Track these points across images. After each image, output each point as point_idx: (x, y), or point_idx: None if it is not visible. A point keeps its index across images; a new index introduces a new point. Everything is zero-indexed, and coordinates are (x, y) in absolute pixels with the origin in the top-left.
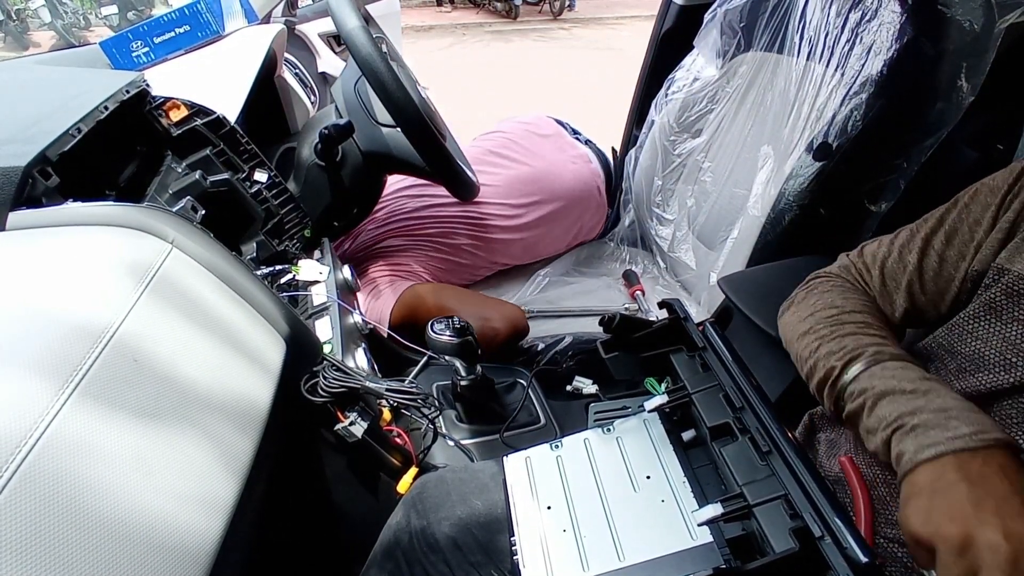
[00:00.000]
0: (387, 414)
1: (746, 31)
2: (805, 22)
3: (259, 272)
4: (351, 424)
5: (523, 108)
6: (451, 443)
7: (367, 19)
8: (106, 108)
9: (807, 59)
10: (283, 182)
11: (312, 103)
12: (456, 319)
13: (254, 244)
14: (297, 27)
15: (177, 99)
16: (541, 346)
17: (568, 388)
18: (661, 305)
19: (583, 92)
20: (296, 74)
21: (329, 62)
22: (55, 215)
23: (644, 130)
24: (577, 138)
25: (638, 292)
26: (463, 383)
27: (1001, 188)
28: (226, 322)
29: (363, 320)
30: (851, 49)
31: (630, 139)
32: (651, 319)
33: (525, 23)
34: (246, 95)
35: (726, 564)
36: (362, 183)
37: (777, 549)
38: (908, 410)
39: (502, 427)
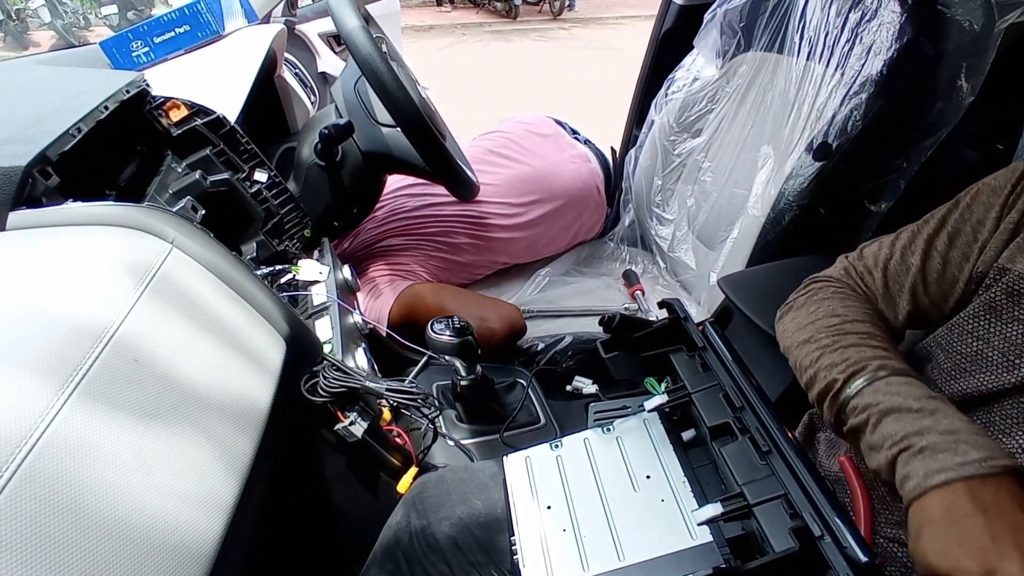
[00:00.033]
0: (387, 414)
1: (746, 31)
2: (805, 22)
3: (259, 272)
4: (351, 424)
5: (523, 108)
6: (451, 443)
7: (367, 19)
8: (106, 108)
9: (807, 59)
10: (283, 182)
11: (312, 103)
12: (456, 319)
13: (254, 244)
14: (297, 27)
15: (177, 99)
16: (541, 346)
17: (568, 388)
18: (661, 305)
19: (583, 92)
20: (296, 74)
21: (329, 62)
22: (55, 215)
23: (644, 130)
24: (576, 138)
25: (638, 292)
26: (463, 383)
27: (1004, 188)
28: (226, 322)
29: (363, 320)
30: (851, 49)
31: (630, 139)
32: (651, 319)
33: (525, 23)
34: (246, 95)
35: (726, 564)
36: (362, 183)
37: (777, 549)
38: (915, 430)
39: (502, 427)
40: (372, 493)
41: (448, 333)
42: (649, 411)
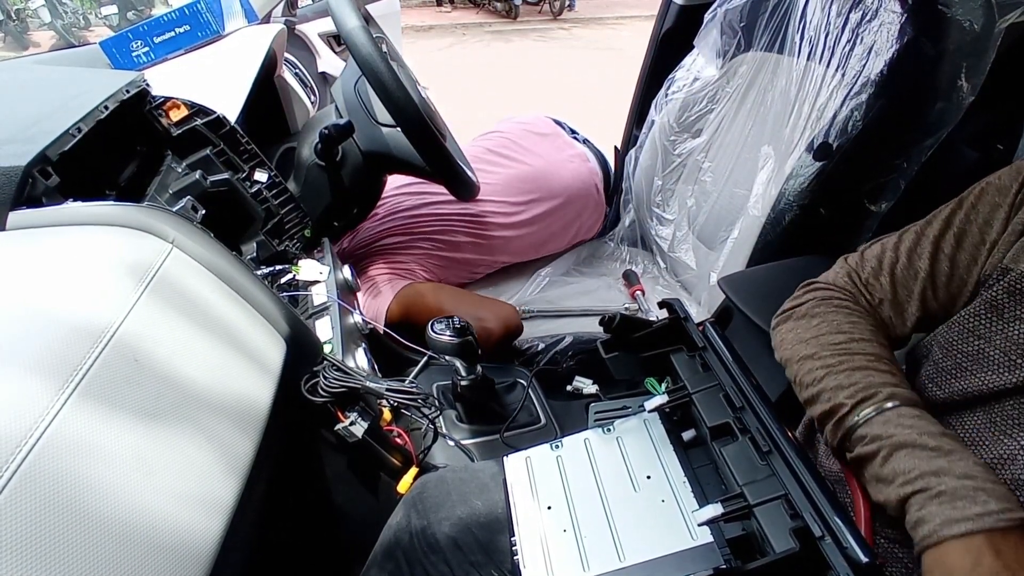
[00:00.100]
0: (387, 414)
1: (746, 31)
2: (805, 22)
3: (259, 272)
4: (351, 424)
5: (523, 108)
6: (451, 443)
7: (367, 19)
8: (106, 108)
9: (807, 59)
10: (283, 182)
11: (312, 103)
12: (456, 319)
13: (254, 244)
14: (297, 27)
15: (177, 99)
16: (541, 346)
17: (568, 388)
18: (661, 305)
19: (583, 92)
20: (296, 74)
21: (329, 62)
22: (55, 215)
23: (644, 130)
24: (575, 137)
25: (638, 292)
26: (463, 383)
27: (1010, 188)
28: (226, 322)
29: (363, 320)
30: (851, 49)
31: (630, 139)
32: (651, 319)
33: (525, 23)
34: (246, 95)
35: (726, 564)
36: (362, 183)
37: (777, 549)
38: (931, 470)
39: (502, 427)
40: (372, 493)
41: (448, 333)
42: (649, 411)
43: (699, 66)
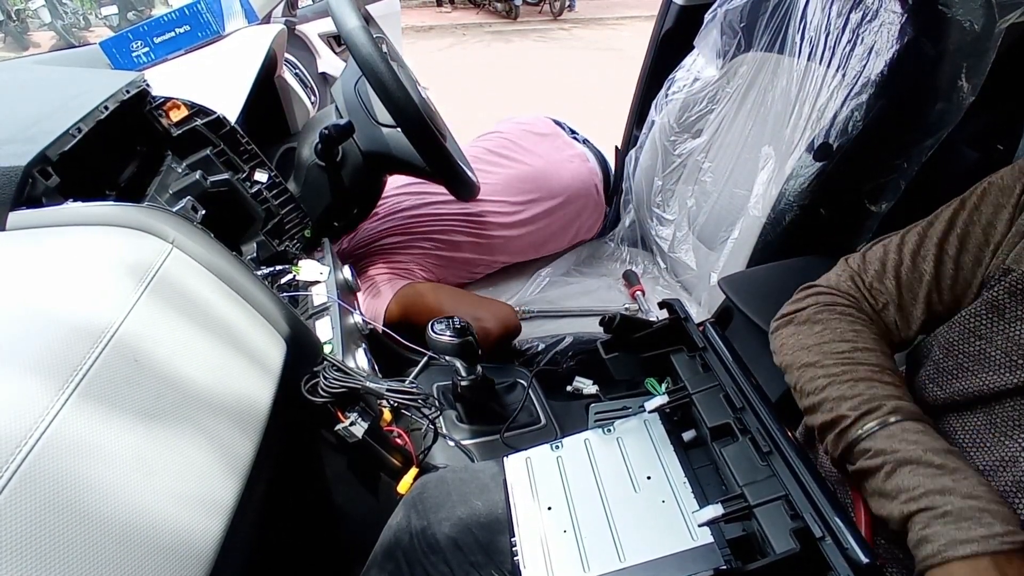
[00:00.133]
0: (387, 414)
1: (746, 31)
2: (806, 22)
3: (259, 272)
4: (351, 424)
5: (523, 108)
6: (451, 443)
7: (367, 19)
8: (106, 108)
9: (808, 59)
10: (283, 182)
11: (312, 103)
12: (457, 319)
13: (254, 244)
14: (297, 27)
15: (177, 99)
16: (541, 346)
17: (568, 388)
18: (661, 305)
19: (583, 92)
20: (296, 74)
21: (329, 62)
22: (55, 215)
23: (644, 130)
24: (575, 138)
25: (638, 292)
26: (463, 383)
27: (1013, 188)
28: (226, 322)
29: (363, 320)
30: (852, 50)
31: (630, 139)
32: (651, 319)
33: (525, 23)
34: (246, 95)
35: (727, 565)
36: (362, 183)
37: (778, 550)
38: (936, 489)
39: (502, 427)
40: (372, 493)
41: (448, 333)
42: (650, 412)
43: (699, 66)
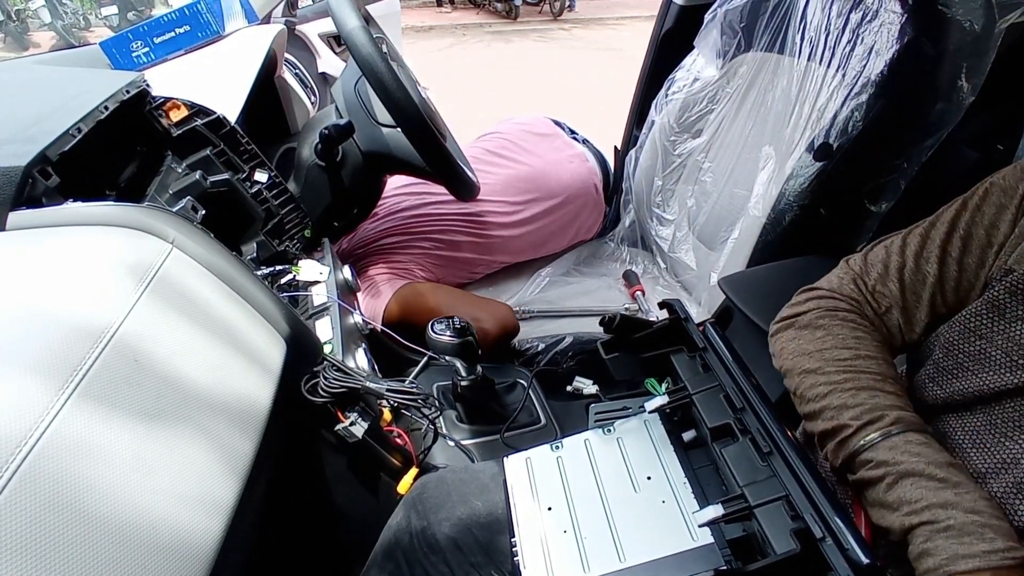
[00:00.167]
0: (387, 414)
1: (746, 31)
2: (806, 23)
3: (259, 272)
4: (351, 424)
5: (523, 109)
6: (451, 443)
7: (367, 19)
8: (106, 108)
9: (808, 59)
10: (283, 182)
11: (312, 103)
12: (457, 319)
13: (254, 244)
14: (297, 27)
15: (177, 99)
16: (541, 346)
17: (568, 388)
18: (661, 305)
19: (583, 93)
20: (296, 74)
21: (329, 62)
22: (55, 215)
23: (644, 130)
24: (575, 138)
25: (638, 292)
26: (463, 383)
27: (1016, 189)
28: (226, 322)
29: (363, 320)
30: (852, 50)
31: (630, 139)
32: (651, 319)
33: (525, 23)
34: (246, 95)
35: (727, 565)
36: (362, 183)
37: (778, 550)
38: (938, 502)
39: (502, 427)
40: (372, 494)
41: (449, 333)
42: (650, 412)
43: (699, 66)
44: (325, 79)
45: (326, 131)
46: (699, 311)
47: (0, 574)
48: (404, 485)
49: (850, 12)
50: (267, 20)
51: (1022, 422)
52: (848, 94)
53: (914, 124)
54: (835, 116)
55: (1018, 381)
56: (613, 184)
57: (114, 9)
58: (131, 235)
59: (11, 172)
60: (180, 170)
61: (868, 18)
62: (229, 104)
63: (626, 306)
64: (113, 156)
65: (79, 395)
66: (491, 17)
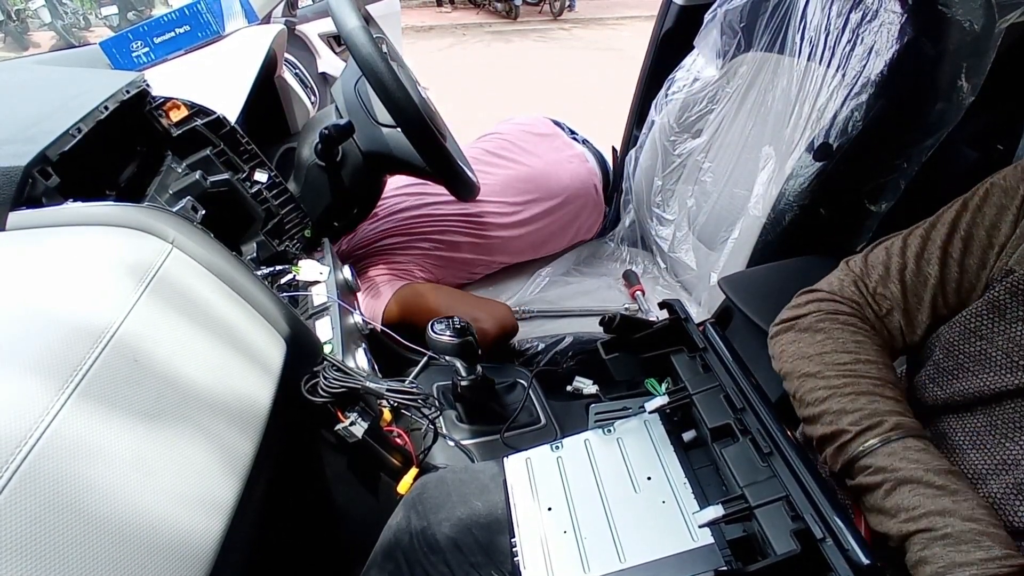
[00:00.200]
0: (387, 414)
1: (746, 31)
2: (806, 23)
3: (259, 272)
4: (351, 424)
5: (523, 109)
6: (451, 443)
7: (367, 19)
8: (106, 108)
9: (808, 59)
10: (283, 182)
11: (312, 103)
12: (457, 319)
13: (254, 244)
14: (297, 27)
15: (177, 99)
16: (541, 346)
17: (568, 388)
18: (662, 306)
19: (583, 92)
20: (296, 74)
21: (329, 62)
22: (55, 215)
23: (644, 130)
24: (574, 138)
25: (638, 292)
26: (463, 383)
27: (1017, 190)
28: (226, 322)
29: (363, 320)
30: (852, 50)
31: (630, 139)
32: (651, 319)
33: (525, 23)
34: (246, 95)
35: (727, 566)
36: (362, 183)
37: (778, 551)
38: (936, 510)
39: (502, 427)
40: (372, 494)
41: (448, 333)
42: (650, 412)
43: (699, 66)
44: (325, 79)
45: (326, 131)
46: (699, 311)
47: (0, 574)
48: (404, 485)
49: (850, 12)
50: (267, 20)
51: (1022, 423)
52: (848, 94)
53: (914, 124)
54: (835, 116)
55: (1018, 382)
56: (613, 184)
57: (114, 9)
58: (131, 235)
59: (11, 172)
60: (180, 170)
61: (868, 18)
62: (229, 104)
63: (626, 306)
64: (113, 156)
65: (79, 395)
66: (491, 17)
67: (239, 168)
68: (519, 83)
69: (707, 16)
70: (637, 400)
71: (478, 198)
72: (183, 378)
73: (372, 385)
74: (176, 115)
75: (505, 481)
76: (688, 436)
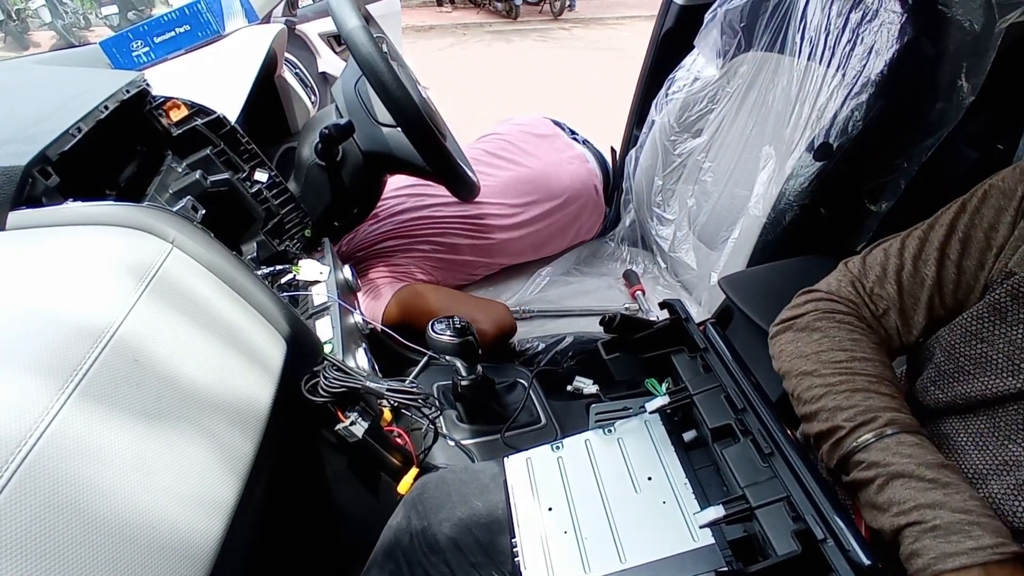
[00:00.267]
0: (388, 414)
1: (746, 31)
2: (806, 22)
3: (259, 272)
4: (352, 424)
5: (523, 108)
6: (452, 443)
7: (367, 19)
8: (106, 108)
9: (808, 59)
10: (283, 182)
11: (312, 103)
12: (457, 319)
13: (254, 244)
14: (297, 27)
15: (177, 99)
16: (542, 346)
17: (569, 388)
18: (662, 305)
19: (583, 92)
20: (296, 74)
21: (329, 62)
22: (55, 215)
23: (644, 130)
24: (575, 138)
25: (638, 292)
26: (464, 383)
27: (1015, 191)
28: (227, 322)
29: (363, 320)
30: (852, 49)
31: (630, 139)
32: (652, 319)
33: (525, 23)
34: (246, 95)
35: (728, 566)
36: (362, 183)
37: (779, 551)
38: (927, 503)
39: (503, 427)
40: (372, 494)
41: (449, 333)
42: (650, 412)
43: (699, 66)
44: (325, 79)
45: (326, 131)
46: (699, 311)
47: (0, 574)
48: (404, 485)
49: (850, 12)
50: (267, 20)
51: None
52: (848, 94)
53: (914, 124)
54: (835, 116)
55: (1020, 385)
56: (613, 184)
57: (114, 8)
58: (131, 235)
59: (11, 172)
60: (180, 170)
61: (868, 18)
62: (229, 104)
63: (626, 306)
64: (113, 156)
65: (79, 395)
66: (491, 17)
67: (239, 168)
68: (519, 83)
69: (707, 16)
70: (638, 400)
71: (478, 199)
72: (183, 378)
73: (372, 385)
74: (176, 115)
75: (505, 481)
76: (689, 436)
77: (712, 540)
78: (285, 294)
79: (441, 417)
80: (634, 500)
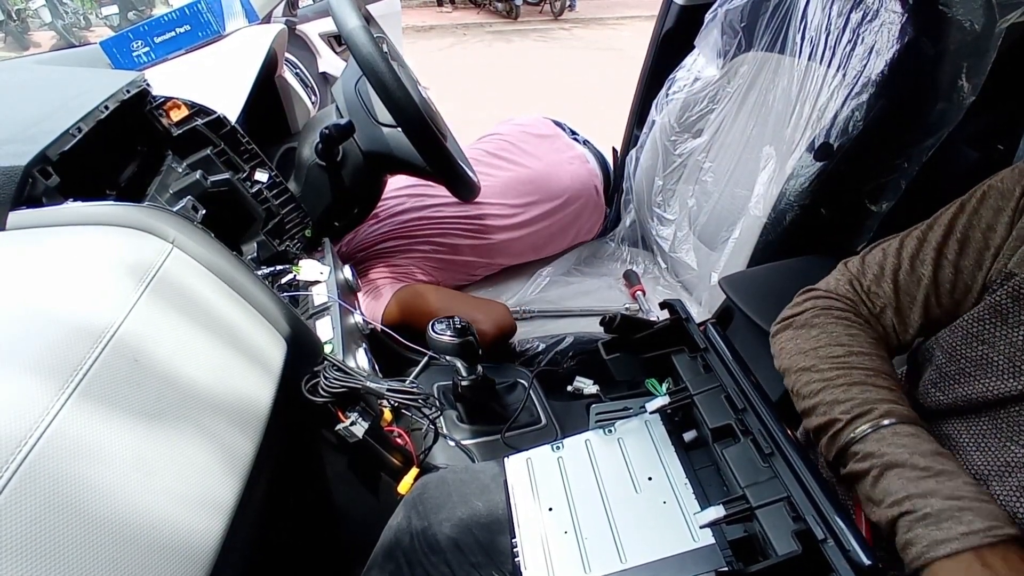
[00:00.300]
0: (388, 414)
1: (747, 31)
2: (806, 22)
3: (260, 272)
4: (352, 424)
5: (524, 109)
6: (452, 443)
7: (368, 19)
8: (106, 108)
9: (808, 59)
10: (284, 182)
11: (313, 103)
12: (457, 319)
13: (255, 244)
14: (298, 27)
15: (178, 99)
16: (542, 346)
17: (569, 388)
18: (662, 306)
19: (584, 92)
20: (297, 74)
21: (330, 62)
22: (55, 215)
23: (645, 130)
24: (575, 139)
25: (639, 292)
26: (464, 383)
27: (1013, 192)
28: (227, 322)
29: (364, 320)
30: (852, 49)
31: (631, 139)
32: (652, 319)
33: (526, 23)
34: (247, 95)
35: (728, 566)
36: (363, 183)
37: (780, 552)
38: (919, 492)
39: (503, 428)
40: (373, 494)
41: (449, 333)
42: (651, 412)
43: (700, 66)
44: (325, 79)
45: (326, 131)
46: (700, 311)
47: (0, 574)
48: (404, 485)
49: (850, 12)
50: (267, 20)
51: None
52: (848, 94)
53: (914, 124)
54: (835, 116)
55: (1021, 387)
56: (613, 184)
57: (114, 8)
58: (131, 235)
59: (11, 172)
60: (180, 170)
61: (868, 18)
62: (229, 104)
63: (627, 306)
64: (113, 156)
65: (79, 395)
66: (492, 17)
67: (239, 168)
68: (519, 83)
69: (707, 16)
70: (638, 400)
71: (478, 200)
72: (183, 378)
73: (373, 385)
74: (176, 115)
75: (506, 481)
76: (689, 436)
77: (712, 540)
78: (285, 294)
79: (441, 417)
80: (634, 500)
